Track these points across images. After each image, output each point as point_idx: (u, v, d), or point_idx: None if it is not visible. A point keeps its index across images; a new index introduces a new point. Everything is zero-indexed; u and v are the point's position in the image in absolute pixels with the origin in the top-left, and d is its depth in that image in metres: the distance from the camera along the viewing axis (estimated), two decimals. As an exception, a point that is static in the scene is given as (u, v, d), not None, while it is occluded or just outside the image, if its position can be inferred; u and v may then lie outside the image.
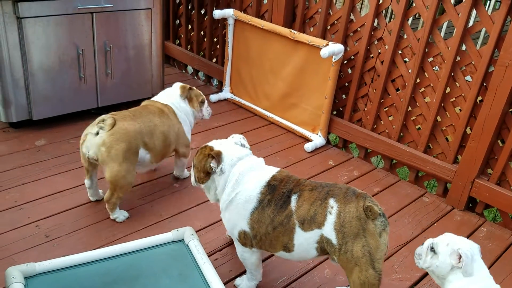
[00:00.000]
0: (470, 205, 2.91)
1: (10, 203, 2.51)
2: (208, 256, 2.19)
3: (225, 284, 2.07)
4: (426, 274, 2.34)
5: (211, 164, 1.95)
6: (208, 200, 2.58)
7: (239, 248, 2.03)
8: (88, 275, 1.86)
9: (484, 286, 1.63)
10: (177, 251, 2.08)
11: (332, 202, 1.79)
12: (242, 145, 2.07)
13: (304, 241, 1.83)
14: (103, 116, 2.35)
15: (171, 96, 2.73)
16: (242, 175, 1.93)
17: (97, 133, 2.31)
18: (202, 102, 2.81)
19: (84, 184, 2.59)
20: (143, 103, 2.70)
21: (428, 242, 1.77)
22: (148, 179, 2.87)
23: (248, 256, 2.02)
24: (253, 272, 2.08)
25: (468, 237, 2.64)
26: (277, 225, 1.86)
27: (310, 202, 1.83)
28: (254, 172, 1.95)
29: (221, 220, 2.56)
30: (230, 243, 2.42)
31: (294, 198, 1.85)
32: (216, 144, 2.03)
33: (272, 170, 1.97)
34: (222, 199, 1.99)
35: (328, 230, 1.77)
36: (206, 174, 2.01)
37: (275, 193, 1.88)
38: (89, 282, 1.83)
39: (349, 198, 1.79)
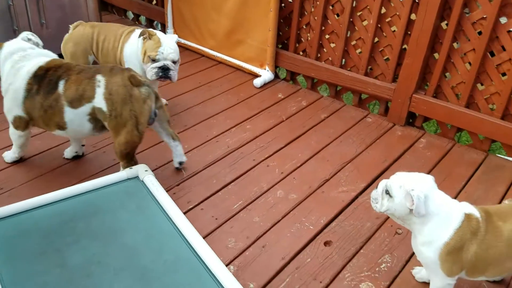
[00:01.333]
0: (411, 120, 3.09)
1: (-44, 162, 2.47)
2: (166, 191, 2.26)
3: (184, 213, 2.17)
4: (370, 184, 2.52)
5: None
6: (162, 141, 2.64)
7: (11, 129, 2.35)
8: (45, 216, 1.91)
9: (452, 222, 1.61)
10: (133, 187, 2.14)
11: (99, 77, 2.13)
12: (29, 40, 2.35)
13: (75, 117, 2.17)
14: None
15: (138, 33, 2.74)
16: (13, 67, 2.20)
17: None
18: (152, 60, 2.58)
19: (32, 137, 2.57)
20: None
21: (382, 184, 1.70)
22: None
23: (16, 137, 2.37)
24: (17, 149, 2.44)
25: (408, 148, 2.83)
26: (47, 108, 2.17)
27: (77, 83, 2.14)
28: (23, 63, 2.21)
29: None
30: (187, 178, 2.50)
31: (61, 83, 2.15)
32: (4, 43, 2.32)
33: (41, 60, 2.23)
34: (2, 88, 2.29)
35: (99, 100, 2.12)
36: None
37: (43, 82, 2.17)
38: (47, 222, 1.88)
39: (114, 72, 2.14)
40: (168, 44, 2.59)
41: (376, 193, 1.73)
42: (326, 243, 2.13)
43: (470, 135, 2.88)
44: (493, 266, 1.64)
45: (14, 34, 3.15)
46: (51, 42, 3.37)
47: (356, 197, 2.42)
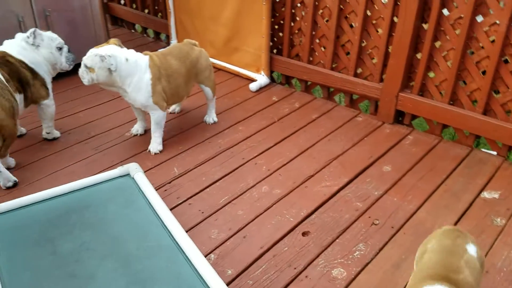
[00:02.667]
0: (400, 118, 3.17)
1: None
2: (158, 189, 2.44)
3: (171, 209, 2.33)
4: (353, 179, 2.62)
5: None
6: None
7: None
8: (43, 210, 2.10)
9: None
10: (123, 183, 2.32)
11: None
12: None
13: None
14: None
15: None
16: None
17: None
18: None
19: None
20: None
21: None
22: (100, 132, 3.08)
23: None
24: None
25: (395, 145, 2.92)
26: None
27: None
28: None
29: (168, 159, 2.82)
30: (178, 176, 2.66)
31: None
32: None
33: None
34: None
35: None
36: None
37: None
38: (44, 216, 2.07)
39: None
40: None
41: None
42: (304, 234, 2.25)
43: (456, 131, 2.94)
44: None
45: (26, 48, 3.41)
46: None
47: (338, 191, 2.53)
